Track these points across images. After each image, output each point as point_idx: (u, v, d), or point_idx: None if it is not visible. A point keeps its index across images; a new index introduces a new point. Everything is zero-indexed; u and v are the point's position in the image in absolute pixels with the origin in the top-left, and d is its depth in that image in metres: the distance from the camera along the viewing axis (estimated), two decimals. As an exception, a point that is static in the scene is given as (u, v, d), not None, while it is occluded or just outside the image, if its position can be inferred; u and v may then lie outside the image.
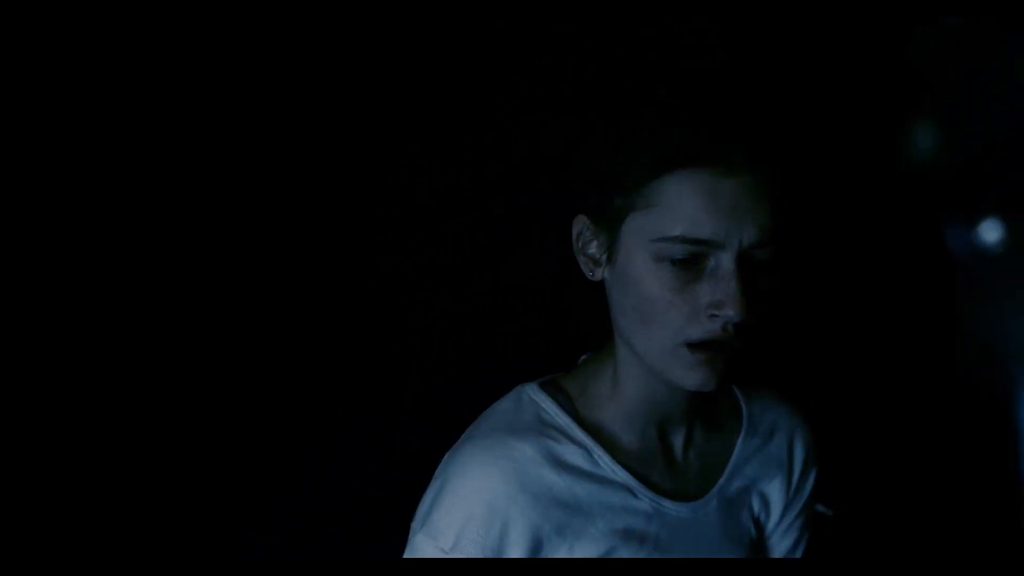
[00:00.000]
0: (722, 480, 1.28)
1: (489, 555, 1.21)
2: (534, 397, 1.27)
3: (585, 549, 1.19)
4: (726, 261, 1.09)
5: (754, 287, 1.10)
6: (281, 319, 3.38)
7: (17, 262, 3.06)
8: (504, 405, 1.30)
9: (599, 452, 1.22)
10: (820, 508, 2.32)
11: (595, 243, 1.19)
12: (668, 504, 1.22)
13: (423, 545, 1.29)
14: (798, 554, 1.38)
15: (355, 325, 3.37)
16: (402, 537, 1.69)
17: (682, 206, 1.08)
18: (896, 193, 2.46)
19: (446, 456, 1.35)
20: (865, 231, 3.03)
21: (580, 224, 1.21)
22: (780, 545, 1.37)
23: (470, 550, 1.22)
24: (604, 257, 1.18)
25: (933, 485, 2.46)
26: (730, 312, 1.11)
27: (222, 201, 3.33)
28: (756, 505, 1.30)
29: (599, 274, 1.20)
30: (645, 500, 1.21)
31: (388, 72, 3.43)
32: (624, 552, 1.21)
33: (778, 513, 1.36)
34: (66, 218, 3.13)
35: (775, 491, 1.32)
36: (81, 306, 3.19)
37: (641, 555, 1.22)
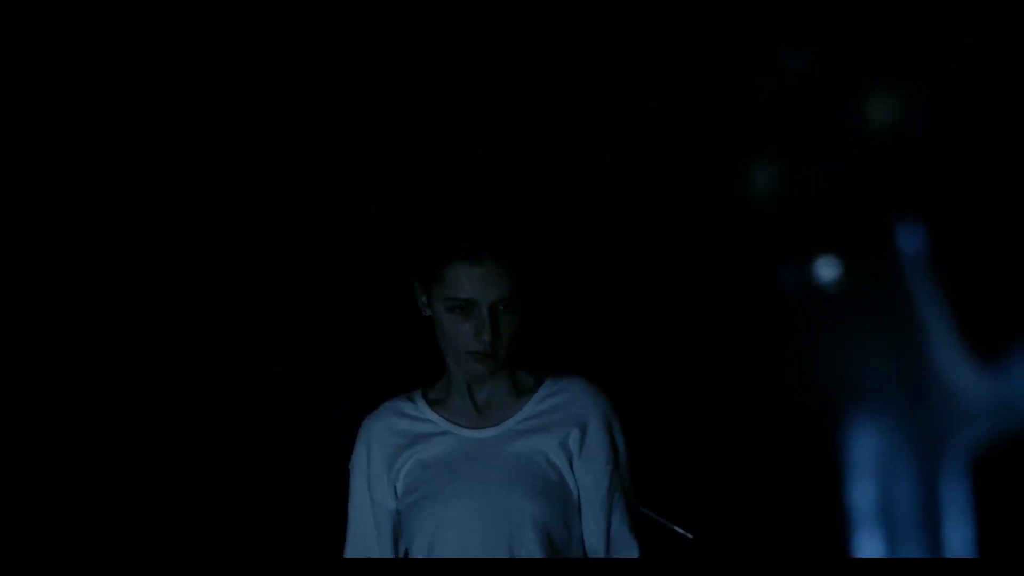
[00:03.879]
0: (510, 422, 2.08)
1: (364, 465, 2.14)
2: (411, 393, 2.20)
3: (415, 452, 2.09)
4: (482, 310, 2.00)
5: (498, 324, 2.00)
6: (280, 322, 3.40)
7: (15, 260, 3.07)
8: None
9: (422, 405, 2.12)
10: (680, 531, 2.87)
11: (423, 297, 2.09)
12: (462, 430, 2.08)
13: None
14: (603, 491, 2.08)
15: (352, 330, 3.39)
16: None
17: (455, 282, 2.01)
18: (731, 231, 2.63)
19: None
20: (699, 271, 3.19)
21: (415, 285, 2.10)
22: (585, 479, 2.06)
23: (357, 463, 2.17)
24: (425, 303, 2.09)
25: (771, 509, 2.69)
26: (485, 338, 2.00)
27: (222, 204, 3.34)
28: (551, 445, 2.05)
29: (426, 312, 2.09)
30: (445, 427, 2.08)
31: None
32: (433, 450, 2.08)
33: (576, 455, 2.06)
34: (64, 218, 3.14)
35: (563, 436, 2.05)
36: (83, 309, 3.20)
37: (444, 458, 2.07)
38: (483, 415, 2.11)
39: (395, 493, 2.14)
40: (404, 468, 2.11)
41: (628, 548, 2.10)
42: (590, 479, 2.08)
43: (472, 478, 2.06)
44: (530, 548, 2.03)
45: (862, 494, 0.78)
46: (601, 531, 2.08)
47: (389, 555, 2.15)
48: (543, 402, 2.12)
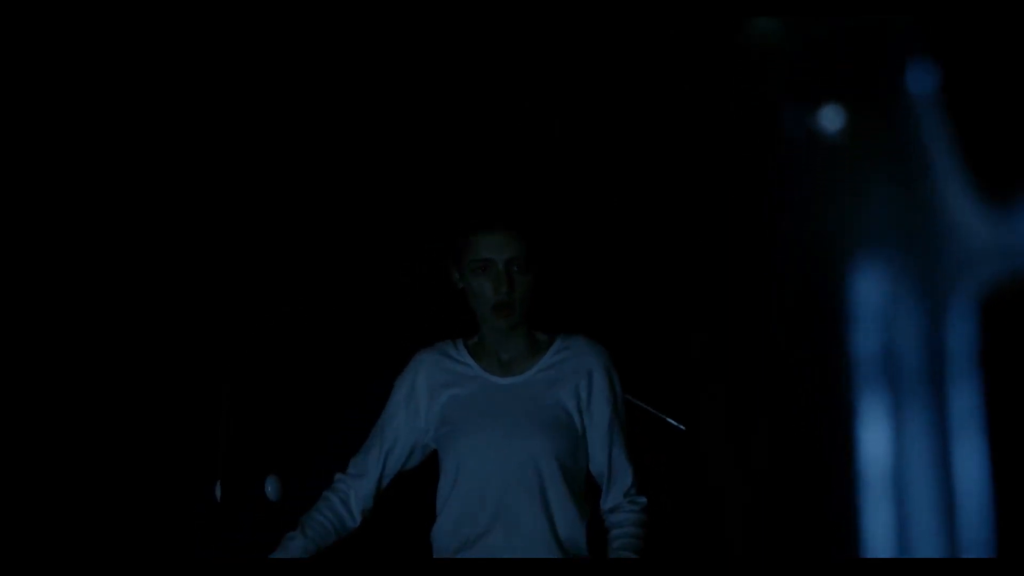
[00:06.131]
0: (529, 372, 2.64)
1: (410, 385, 2.65)
2: (455, 340, 2.75)
3: (452, 390, 2.62)
4: (499, 267, 2.54)
5: (513, 280, 2.54)
6: (280, 325, 3.47)
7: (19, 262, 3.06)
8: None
9: (463, 351, 2.67)
10: (672, 422, 3.37)
11: (455, 272, 2.63)
12: (491, 376, 2.62)
13: None
14: (604, 426, 2.61)
15: (351, 336, 3.52)
16: (398, 539, 2.71)
17: (477, 247, 2.55)
18: (736, 78, 2.59)
19: None
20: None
21: (450, 266, 2.65)
22: (592, 418, 2.61)
23: (404, 383, 2.66)
24: (458, 277, 2.62)
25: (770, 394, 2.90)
26: (503, 290, 2.54)
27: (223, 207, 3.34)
28: (564, 392, 2.61)
29: (460, 284, 2.63)
30: (478, 372, 2.64)
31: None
32: (466, 390, 2.61)
33: (585, 399, 2.61)
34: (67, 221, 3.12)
35: (574, 385, 2.62)
36: (87, 312, 3.17)
37: (475, 397, 2.60)
38: (507, 368, 2.63)
39: (431, 420, 2.64)
40: (443, 401, 2.62)
41: (625, 470, 2.62)
42: (596, 418, 2.61)
43: (495, 416, 2.58)
44: (551, 473, 2.53)
45: (866, 343, 0.74)
46: (604, 458, 2.61)
47: (397, 465, 2.66)
48: (555, 355, 2.65)
